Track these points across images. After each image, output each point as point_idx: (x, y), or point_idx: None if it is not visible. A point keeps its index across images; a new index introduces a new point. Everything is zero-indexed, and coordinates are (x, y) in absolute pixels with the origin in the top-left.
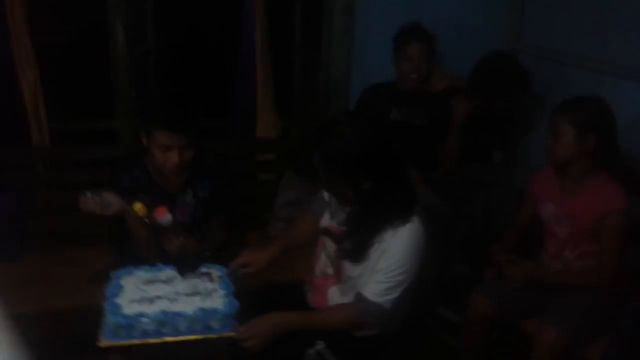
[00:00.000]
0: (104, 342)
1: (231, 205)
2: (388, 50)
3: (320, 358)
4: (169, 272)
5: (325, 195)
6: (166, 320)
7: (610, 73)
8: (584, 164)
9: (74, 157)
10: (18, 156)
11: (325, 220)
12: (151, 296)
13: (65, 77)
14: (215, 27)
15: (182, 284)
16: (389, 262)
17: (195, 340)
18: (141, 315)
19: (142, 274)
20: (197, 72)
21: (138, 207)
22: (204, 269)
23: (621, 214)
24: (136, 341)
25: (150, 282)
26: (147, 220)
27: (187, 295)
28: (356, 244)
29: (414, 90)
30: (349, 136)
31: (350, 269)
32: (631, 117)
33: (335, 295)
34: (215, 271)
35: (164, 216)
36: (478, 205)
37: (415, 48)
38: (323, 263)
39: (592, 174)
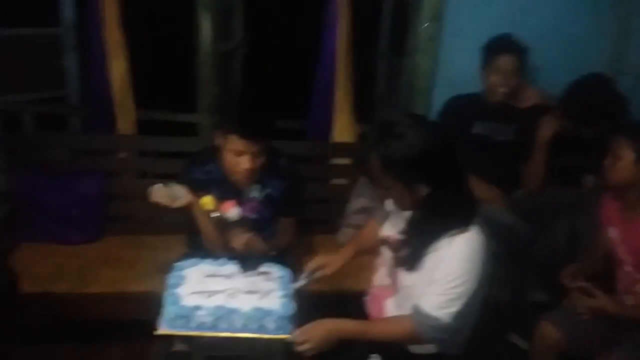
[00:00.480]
0: (161, 330)
1: (300, 207)
2: (476, 61)
3: None
4: (231, 267)
5: (388, 205)
6: (222, 315)
7: None
8: None
9: (156, 147)
10: (104, 143)
11: (386, 230)
12: (211, 290)
13: (152, 69)
14: (301, 27)
15: (242, 281)
16: (445, 273)
17: (251, 338)
18: (198, 307)
19: (205, 267)
20: (281, 71)
21: (207, 200)
22: (265, 268)
23: None
24: (191, 332)
25: (212, 275)
26: (215, 214)
27: (246, 292)
28: (411, 251)
29: (500, 104)
30: (409, 138)
31: (405, 278)
32: None
33: (391, 307)
34: (276, 271)
35: (232, 211)
36: (562, 231)
37: (505, 60)
38: (381, 273)
39: None
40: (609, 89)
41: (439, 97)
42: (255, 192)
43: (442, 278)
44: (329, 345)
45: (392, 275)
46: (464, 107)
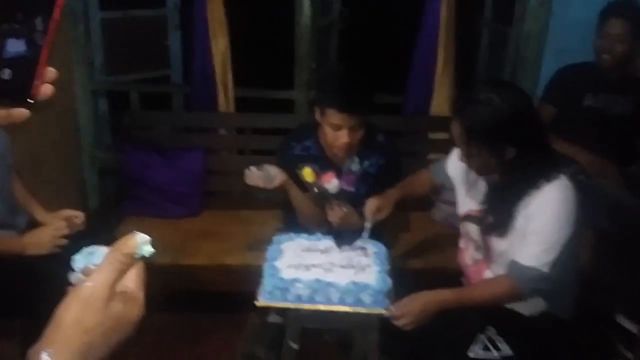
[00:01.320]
0: (261, 301)
1: (396, 183)
2: (590, 29)
3: (491, 343)
4: (327, 242)
5: (451, 170)
6: (319, 288)
7: None
8: None
9: (254, 124)
10: (205, 120)
11: (464, 207)
12: (308, 263)
13: (251, 46)
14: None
15: (338, 256)
16: (538, 223)
17: (347, 312)
18: (296, 280)
19: (302, 241)
20: (379, 46)
21: (307, 172)
22: (360, 243)
23: None
24: (290, 304)
25: (309, 250)
26: (314, 187)
27: (342, 267)
28: (500, 215)
29: (616, 73)
30: (496, 104)
31: (499, 244)
32: None
33: (489, 274)
34: (372, 247)
35: (331, 182)
36: None
37: (614, 24)
38: (472, 250)
39: None
40: None
41: (548, 68)
42: (354, 165)
43: (536, 228)
44: (427, 319)
45: (484, 248)
46: (575, 78)
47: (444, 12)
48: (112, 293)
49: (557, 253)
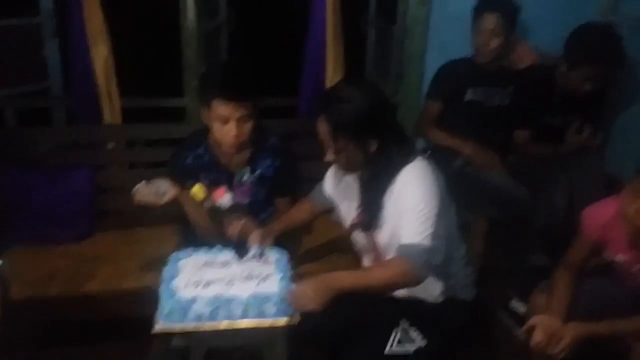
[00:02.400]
0: (159, 325)
1: (295, 185)
2: (468, 24)
3: (406, 336)
4: (227, 255)
5: (328, 190)
6: (220, 305)
7: None
8: None
9: (145, 135)
10: (90, 134)
11: (347, 220)
12: (207, 279)
13: (136, 53)
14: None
15: (238, 268)
16: (405, 201)
17: (252, 327)
18: (195, 298)
19: (200, 256)
20: (270, 48)
21: (197, 189)
22: (261, 252)
23: None
24: (190, 325)
25: (208, 265)
26: (205, 204)
27: (243, 279)
28: (373, 209)
29: (494, 67)
30: (357, 99)
31: (382, 237)
32: None
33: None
34: (273, 254)
35: (224, 197)
36: (560, 193)
37: (489, 19)
38: (366, 257)
39: None
40: (611, 31)
41: (432, 64)
42: (246, 176)
43: (405, 206)
44: (327, 301)
45: (373, 248)
46: (456, 73)
47: (329, 12)
48: None
49: (433, 224)
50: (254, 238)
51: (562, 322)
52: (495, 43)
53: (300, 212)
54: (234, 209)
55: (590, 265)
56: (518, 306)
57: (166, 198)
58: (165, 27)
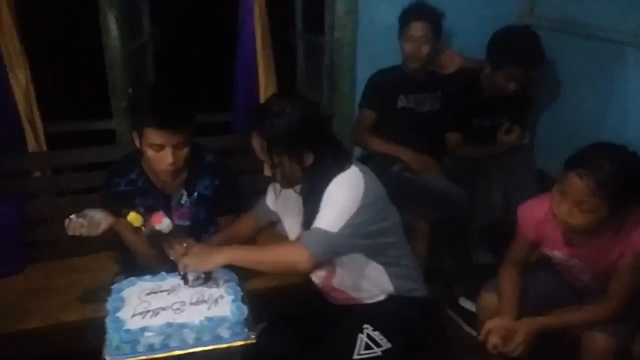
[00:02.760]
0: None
1: (236, 202)
2: (395, 32)
3: (371, 341)
4: (172, 280)
5: (271, 204)
6: (172, 333)
7: (630, 43)
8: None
9: (73, 161)
10: (15, 163)
11: (293, 233)
12: (155, 308)
13: (59, 77)
14: (214, 16)
15: (186, 293)
16: (329, 198)
17: (206, 352)
18: (145, 329)
19: (144, 284)
20: (198, 65)
21: (132, 217)
22: (209, 274)
23: None
24: (142, 357)
25: (154, 292)
26: (144, 230)
27: (193, 304)
28: (312, 217)
29: (421, 73)
30: (289, 113)
31: None
32: None
33: (340, 277)
34: (222, 275)
35: (162, 222)
36: (496, 191)
37: (416, 27)
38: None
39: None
40: (530, 32)
41: (363, 74)
42: (183, 199)
43: (327, 200)
44: (215, 266)
45: None
46: (386, 82)
47: (258, 26)
48: None
49: (348, 221)
50: (178, 250)
51: (515, 321)
52: (424, 50)
53: (243, 226)
54: (175, 232)
55: (533, 260)
56: (467, 304)
57: (101, 228)
58: (88, 48)
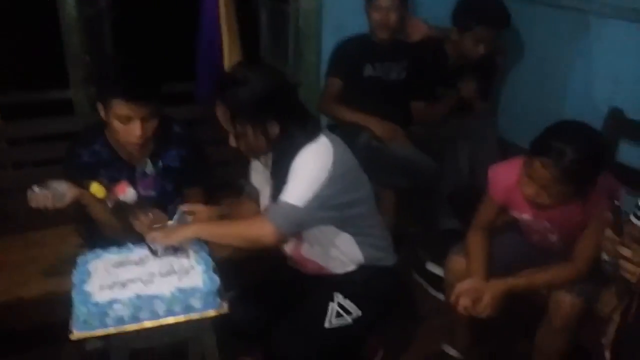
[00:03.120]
0: (77, 333)
1: (204, 173)
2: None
3: (342, 309)
4: (140, 252)
5: (254, 180)
6: (142, 305)
7: (595, 12)
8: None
9: (29, 132)
10: None
11: (264, 206)
12: (123, 280)
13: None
14: None
15: (156, 264)
16: (298, 171)
17: (177, 323)
18: (114, 301)
19: (111, 256)
20: (157, 32)
21: (95, 188)
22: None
23: (609, 211)
24: (112, 329)
25: (121, 264)
26: (108, 202)
27: (163, 275)
28: (280, 187)
29: (388, 42)
30: (253, 82)
31: None
32: (617, 57)
33: (308, 249)
34: (192, 246)
35: (126, 193)
36: (463, 158)
37: None
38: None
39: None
40: None
41: (328, 43)
42: (148, 168)
43: (294, 173)
44: (185, 240)
45: None
46: (353, 50)
47: None
48: None
49: (315, 193)
50: (154, 238)
51: (483, 282)
52: (393, 18)
53: (245, 209)
54: (140, 203)
55: (500, 223)
56: (433, 269)
57: (66, 200)
58: (43, 15)
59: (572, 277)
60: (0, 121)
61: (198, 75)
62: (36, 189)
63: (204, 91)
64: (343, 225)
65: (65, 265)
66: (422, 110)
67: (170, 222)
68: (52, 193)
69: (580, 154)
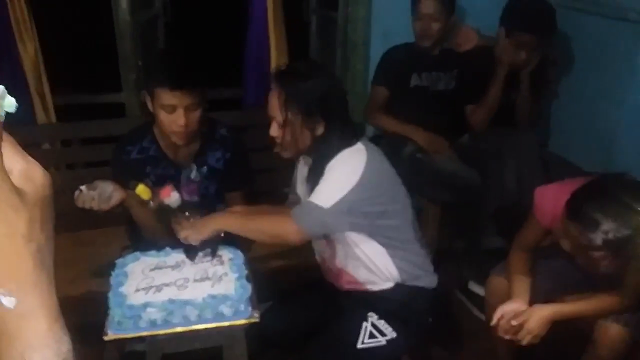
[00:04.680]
0: (110, 335)
1: (247, 178)
2: (409, 10)
3: (375, 329)
4: (177, 256)
5: (299, 191)
6: (174, 309)
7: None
8: None
9: (82, 133)
10: (23, 136)
11: None
12: (158, 284)
13: (69, 49)
14: None
15: (191, 269)
16: (329, 174)
17: (208, 329)
18: (147, 304)
19: (149, 260)
20: (208, 39)
21: (141, 189)
22: (214, 252)
23: None
24: (143, 333)
25: (158, 268)
26: (152, 204)
27: (196, 281)
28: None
29: (436, 51)
30: (317, 77)
31: None
32: None
33: (342, 257)
34: (227, 253)
35: (171, 196)
36: (509, 173)
37: (427, 5)
38: (318, 249)
39: None
40: (545, 2)
41: (376, 51)
42: (193, 173)
43: (326, 175)
44: (212, 232)
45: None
46: (400, 59)
47: (270, 1)
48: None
49: (344, 197)
50: (186, 236)
51: (526, 306)
52: (435, 28)
53: None
54: (183, 208)
55: (544, 245)
56: (476, 288)
57: (111, 202)
58: (98, 20)
59: (620, 307)
60: (55, 122)
61: (246, 81)
62: (84, 189)
63: (251, 97)
64: (375, 235)
65: (109, 266)
66: (475, 108)
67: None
68: (99, 194)
69: (614, 229)
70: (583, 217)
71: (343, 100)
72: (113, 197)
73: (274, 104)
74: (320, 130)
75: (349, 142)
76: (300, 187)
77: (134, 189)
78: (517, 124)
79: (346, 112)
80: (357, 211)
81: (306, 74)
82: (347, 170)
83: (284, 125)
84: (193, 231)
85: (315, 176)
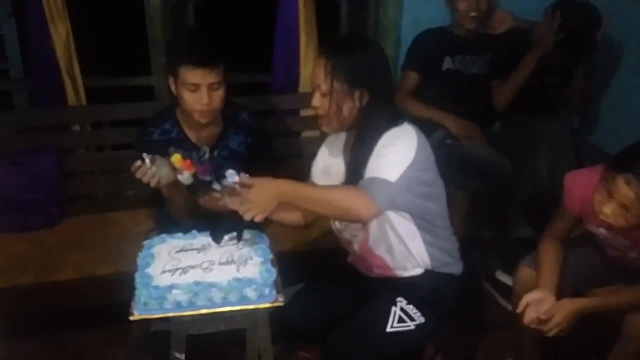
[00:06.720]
0: (136, 315)
1: (268, 163)
2: None
3: (405, 314)
4: (203, 239)
5: (314, 177)
6: (199, 291)
7: None
8: None
9: (111, 116)
10: (54, 117)
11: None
12: (184, 266)
13: (100, 31)
14: None
15: (216, 252)
16: (386, 149)
17: (233, 312)
18: (173, 286)
19: (175, 242)
20: (241, 22)
21: (177, 158)
22: (240, 236)
23: None
24: (169, 314)
25: (184, 250)
26: (186, 174)
27: (222, 264)
28: (358, 173)
29: (470, 34)
30: (364, 48)
31: None
32: None
33: (374, 243)
34: (253, 237)
35: (184, 173)
36: (542, 164)
37: None
38: (345, 233)
39: None
40: (586, 8)
41: (407, 34)
42: (206, 155)
43: (381, 151)
44: (273, 207)
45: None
46: (432, 43)
47: None
48: None
49: (404, 167)
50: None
51: (554, 297)
52: (483, 6)
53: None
54: (197, 185)
55: (576, 234)
56: (503, 277)
57: (161, 183)
58: (129, 2)
59: None
60: (85, 104)
61: (274, 66)
62: (147, 161)
63: (279, 82)
64: (415, 216)
65: (136, 247)
66: (501, 83)
67: (216, 185)
68: (154, 172)
69: None
70: (634, 165)
71: (389, 75)
72: (164, 180)
73: (319, 72)
74: (364, 100)
75: (396, 121)
76: (317, 173)
77: (171, 155)
78: (553, 111)
79: (391, 88)
80: (412, 189)
81: (355, 44)
82: (402, 147)
83: (328, 94)
84: (255, 208)
85: (361, 153)
